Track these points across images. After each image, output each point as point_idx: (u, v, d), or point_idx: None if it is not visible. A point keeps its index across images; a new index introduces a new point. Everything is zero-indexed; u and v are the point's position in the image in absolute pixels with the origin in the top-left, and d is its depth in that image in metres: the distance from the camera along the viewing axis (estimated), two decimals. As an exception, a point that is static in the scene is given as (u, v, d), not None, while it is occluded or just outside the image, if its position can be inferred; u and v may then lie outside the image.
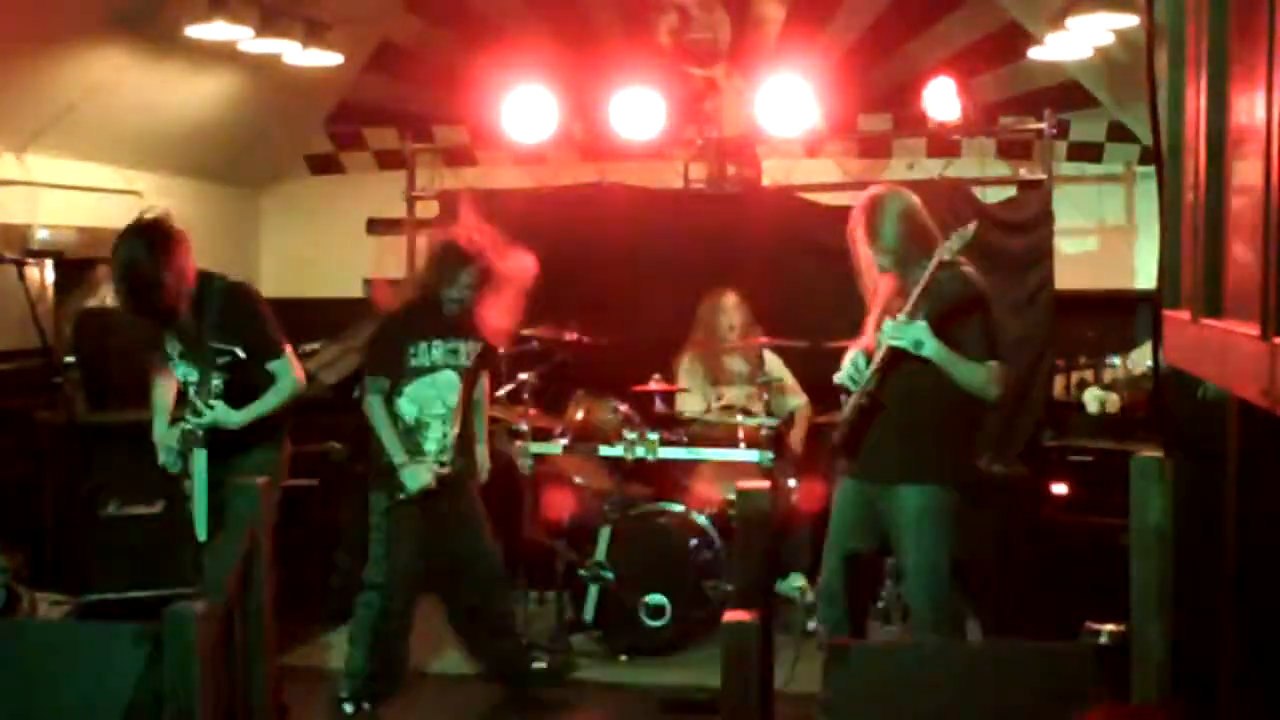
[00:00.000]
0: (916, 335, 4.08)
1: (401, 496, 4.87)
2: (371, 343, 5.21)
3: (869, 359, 4.27)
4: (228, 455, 4.57)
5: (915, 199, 4.42)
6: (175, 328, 4.59)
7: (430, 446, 4.95)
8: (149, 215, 4.53)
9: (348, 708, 4.99)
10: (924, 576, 4.30)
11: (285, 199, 8.44)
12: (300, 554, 5.37)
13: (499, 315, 5.13)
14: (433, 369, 4.94)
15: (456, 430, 4.99)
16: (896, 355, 4.16)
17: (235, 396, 4.57)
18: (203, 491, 4.52)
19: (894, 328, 4.10)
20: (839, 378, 4.38)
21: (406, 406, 4.94)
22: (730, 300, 6.24)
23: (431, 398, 4.95)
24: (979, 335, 4.19)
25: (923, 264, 4.18)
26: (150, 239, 4.43)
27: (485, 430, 5.32)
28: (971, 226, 4.15)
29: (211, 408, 4.50)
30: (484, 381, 5.26)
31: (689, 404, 6.24)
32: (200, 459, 4.54)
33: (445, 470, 4.92)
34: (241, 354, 4.58)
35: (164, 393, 4.78)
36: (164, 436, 4.69)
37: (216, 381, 4.53)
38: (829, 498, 4.79)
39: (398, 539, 4.93)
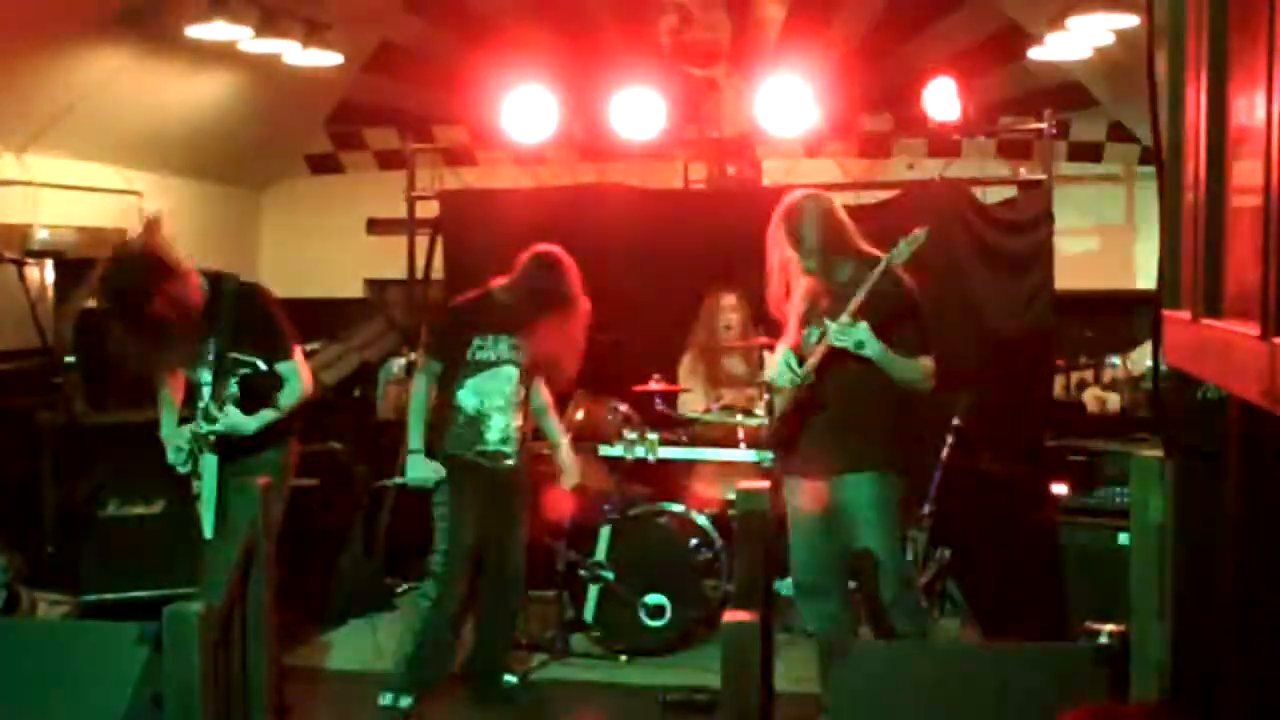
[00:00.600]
0: (859, 336, 4.26)
1: (406, 482, 5.09)
2: (432, 328, 5.32)
3: (799, 358, 4.43)
4: (235, 456, 4.57)
5: (833, 201, 4.60)
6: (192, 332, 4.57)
7: (491, 437, 5.03)
8: (136, 242, 4.50)
9: (384, 699, 4.98)
10: (891, 559, 4.50)
11: (285, 199, 8.44)
12: (300, 554, 5.36)
13: (559, 341, 5.09)
14: (496, 363, 5.03)
15: (519, 424, 5.08)
16: (835, 353, 4.33)
17: (247, 399, 4.56)
18: (212, 492, 4.52)
19: (839, 329, 4.27)
20: (770, 375, 4.61)
21: (468, 398, 5.02)
22: (730, 300, 6.24)
23: (493, 390, 5.03)
24: (914, 335, 4.42)
25: (844, 264, 4.45)
26: (139, 276, 4.36)
27: (562, 432, 5.40)
28: (921, 232, 4.30)
29: (225, 414, 4.49)
30: (543, 386, 5.28)
31: (689, 404, 6.24)
32: (210, 460, 4.54)
33: (510, 463, 5.04)
34: (262, 365, 4.57)
35: (172, 391, 4.77)
36: (172, 435, 4.67)
37: (233, 389, 4.52)
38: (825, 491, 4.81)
39: (457, 531, 5.00)
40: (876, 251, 4.43)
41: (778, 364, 4.51)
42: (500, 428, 5.04)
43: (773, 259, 4.55)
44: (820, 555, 4.58)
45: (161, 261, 4.38)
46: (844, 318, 4.25)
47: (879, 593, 4.52)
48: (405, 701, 4.98)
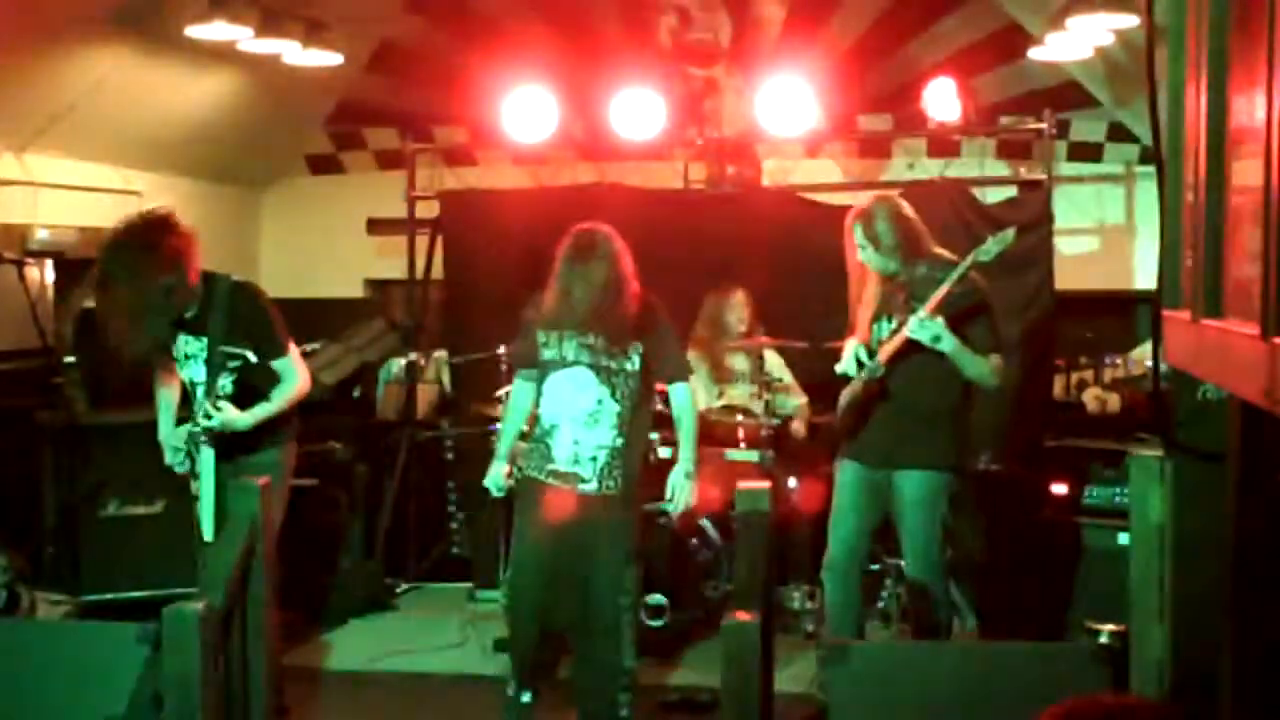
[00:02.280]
0: (936, 330, 4.39)
1: (493, 492, 4.62)
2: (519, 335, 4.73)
3: (870, 350, 4.60)
4: (234, 456, 4.57)
5: (903, 204, 4.78)
6: (184, 328, 4.58)
7: (560, 454, 4.40)
8: (148, 214, 4.52)
9: (508, 689, 4.60)
10: (927, 548, 4.66)
11: (285, 199, 8.43)
12: (300, 554, 5.36)
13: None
14: (564, 363, 4.43)
15: (603, 442, 4.38)
16: (909, 347, 4.48)
17: (242, 396, 4.57)
18: (209, 492, 4.52)
19: (919, 323, 4.40)
20: (842, 367, 4.68)
21: (544, 405, 4.46)
22: (733, 298, 6.25)
23: (564, 398, 4.41)
24: (986, 332, 4.58)
25: (916, 264, 4.64)
26: (146, 241, 4.39)
27: (693, 452, 4.59)
28: (1010, 231, 4.53)
29: (219, 410, 4.49)
30: (688, 387, 4.61)
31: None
32: (207, 459, 4.54)
33: (587, 487, 4.35)
34: (253, 358, 4.58)
35: (169, 392, 4.78)
36: (170, 436, 4.68)
37: (224, 383, 4.53)
38: (829, 497, 4.92)
39: (519, 556, 4.54)
40: (946, 253, 4.68)
41: (848, 357, 4.65)
42: (570, 443, 4.38)
43: (851, 262, 4.73)
44: (854, 536, 4.75)
45: (172, 222, 4.46)
46: (923, 312, 4.40)
47: (909, 568, 4.76)
48: (526, 696, 4.58)
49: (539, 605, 4.49)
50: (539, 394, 4.49)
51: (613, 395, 4.41)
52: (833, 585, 4.81)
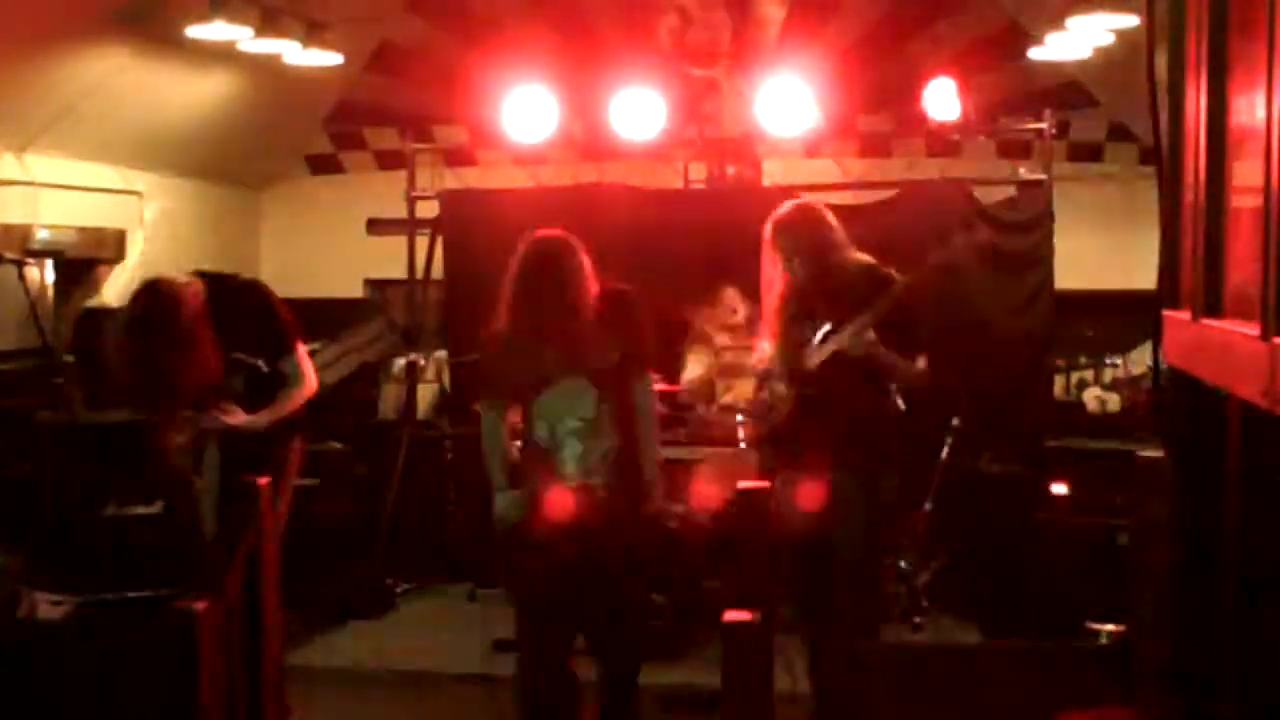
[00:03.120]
0: (870, 350, 4.44)
1: (510, 520, 4.32)
2: (480, 370, 4.72)
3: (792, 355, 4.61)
4: (238, 454, 4.57)
5: (823, 209, 4.74)
6: None
7: (569, 469, 4.25)
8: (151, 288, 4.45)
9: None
10: (852, 553, 4.59)
11: (285, 199, 8.43)
12: (300, 554, 5.36)
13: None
14: (552, 380, 4.26)
15: (606, 447, 4.27)
16: (839, 356, 4.50)
17: (250, 395, 4.56)
18: (214, 490, 4.52)
19: (853, 341, 4.43)
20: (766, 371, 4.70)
21: (539, 426, 4.28)
22: (733, 292, 6.26)
23: (562, 412, 4.25)
24: (908, 337, 4.58)
25: (834, 270, 4.58)
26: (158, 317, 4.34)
27: (653, 445, 4.42)
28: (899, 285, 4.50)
29: (230, 414, 4.48)
30: (650, 386, 4.46)
31: (691, 370, 6.34)
32: (212, 461, 4.54)
33: (596, 491, 4.22)
34: (264, 368, 4.56)
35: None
36: (176, 433, 4.66)
37: (234, 383, 4.52)
38: (829, 497, 4.82)
39: (527, 571, 4.36)
40: (864, 257, 4.65)
41: (769, 361, 4.66)
42: (576, 456, 4.24)
43: (766, 268, 4.71)
44: (809, 551, 4.63)
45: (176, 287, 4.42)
46: (855, 336, 4.42)
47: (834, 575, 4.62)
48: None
49: (552, 627, 4.27)
50: (532, 415, 4.31)
51: (604, 397, 4.25)
52: (798, 606, 4.76)
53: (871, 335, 4.45)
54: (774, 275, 4.71)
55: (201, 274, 4.61)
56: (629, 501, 4.31)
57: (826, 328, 4.58)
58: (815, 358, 4.56)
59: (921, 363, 4.63)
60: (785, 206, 4.74)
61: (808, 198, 5.04)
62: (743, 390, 6.24)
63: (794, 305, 4.69)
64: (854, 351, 4.46)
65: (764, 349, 4.76)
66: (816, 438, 4.61)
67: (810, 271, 4.62)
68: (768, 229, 4.68)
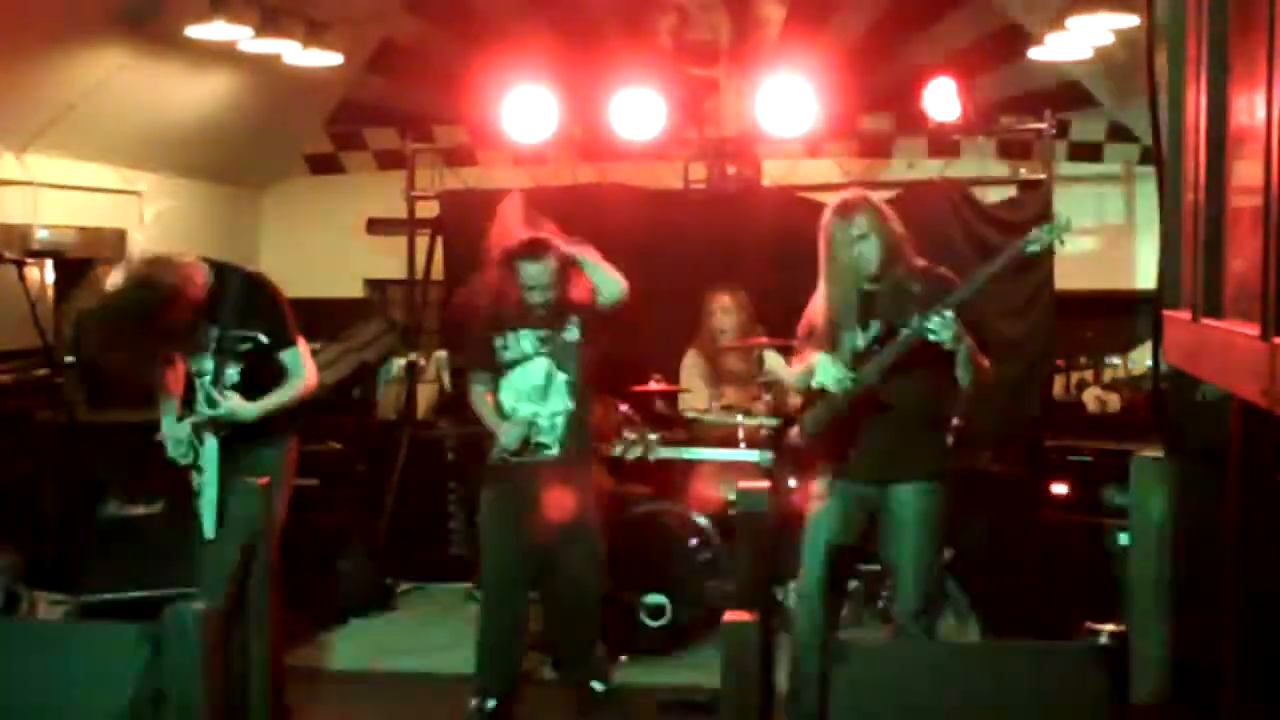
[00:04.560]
0: (956, 330, 4.11)
1: (498, 459, 4.92)
2: (465, 344, 5.23)
3: (862, 360, 4.31)
4: (235, 452, 4.56)
5: (885, 205, 4.47)
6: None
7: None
8: (141, 272, 4.42)
9: (470, 703, 4.94)
10: (923, 571, 4.39)
11: (285, 199, 8.43)
12: (300, 554, 5.36)
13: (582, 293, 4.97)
14: (524, 359, 4.94)
15: (558, 409, 4.93)
16: (910, 355, 4.21)
17: (248, 389, 4.56)
18: (213, 483, 4.51)
19: (942, 322, 4.08)
20: (821, 380, 4.32)
21: (505, 397, 4.96)
22: (724, 302, 6.24)
23: (526, 386, 4.94)
24: (977, 336, 4.33)
25: (896, 268, 4.33)
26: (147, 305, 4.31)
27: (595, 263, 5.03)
28: (1066, 218, 4.21)
29: (225, 398, 4.49)
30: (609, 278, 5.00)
31: (690, 403, 6.24)
32: (211, 450, 4.52)
33: (551, 453, 4.90)
34: (264, 339, 4.56)
35: (171, 385, 4.75)
36: (173, 429, 4.66)
37: (231, 371, 4.52)
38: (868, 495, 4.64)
39: (491, 537, 4.97)
40: (922, 262, 4.40)
41: (828, 369, 4.29)
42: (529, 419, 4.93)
43: (824, 262, 4.45)
44: (831, 561, 4.48)
45: (166, 287, 4.37)
46: (946, 312, 4.08)
47: (901, 601, 4.43)
48: (490, 703, 4.93)
49: (517, 583, 4.96)
50: (497, 385, 4.96)
51: (559, 366, 4.92)
52: (807, 612, 4.47)
53: (949, 316, 4.08)
54: (836, 273, 4.40)
55: (207, 260, 4.60)
56: (583, 457, 5.04)
57: (875, 329, 4.33)
58: (876, 359, 4.27)
59: (986, 361, 4.34)
60: (849, 193, 4.48)
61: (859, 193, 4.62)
62: (741, 390, 6.24)
63: (838, 311, 4.39)
64: (938, 335, 4.09)
65: (816, 361, 4.36)
66: (870, 449, 4.37)
67: (883, 257, 4.32)
68: (833, 211, 4.40)
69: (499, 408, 4.97)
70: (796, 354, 4.59)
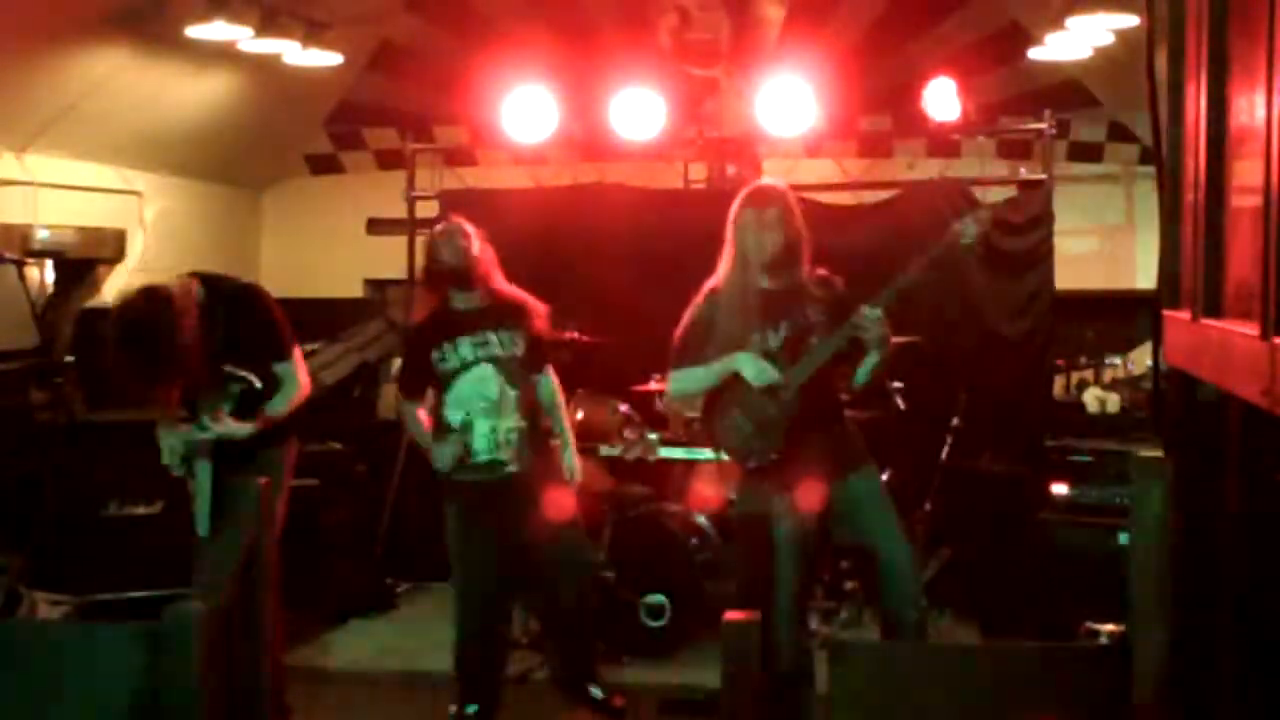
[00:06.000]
0: (884, 330, 4.13)
1: (441, 476, 4.83)
2: (402, 363, 5.19)
3: (774, 360, 4.25)
4: (232, 456, 4.56)
5: (792, 199, 4.43)
6: None
7: (479, 445, 4.75)
8: (143, 296, 4.36)
9: (451, 709, 4.93)
10: (909, 563, 4.41)
11: (285, 199, 8.44)
12: (300, 554, 5.35)
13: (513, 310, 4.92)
14: (464, 367, 4.76)
15: (511, 425, 4.77)
16: (844, 350, 4.23)
17: (242, 404, 4.55)
18: (207, 494, 4.51)
19: (873, 319, 4.08)
20: (749, 376, 4.25)
21: (451, 411, 4.78)
22: None
23: (470, 395, 4.75)
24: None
25: (797, 269, 4.33)
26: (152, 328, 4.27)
27: (570, 432, 5.06)
28: (985, 212, 4.41)
29: (219, 421, 4.47)
30: (552, 378, 5.00)
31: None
32: (205, 470, 4.52)
33: (510, 469, 4.76)
34: (257, 384, 4.55)
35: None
36: (167, 434, 4.65)
37: (227, 401, 4.51)
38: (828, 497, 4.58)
39: (461, 552, 4.86)
40: (821, 269, 4.39)
41: (758, 366, 4.23)
42: (485, 433, 4.75)
43: (728, 246, 4.39)
44: (806, 575, 4.41)
45: (173, 303, 4.33)
46: (877, 310, 4.08)
47: (898, 607, 4.34)
48: (471, 708, 4.89)
49: (492, 598, 4.91)
50: (442, 401, 4.79)
51: (509, 382, 4.79)
52: (786, 627, 4.28)
53: (880, 312, 4.08)
54: (737, 259, 4.33)
55: (198, 275, 4.57)
56: (538, 472, 4.88)
57: (784, 331, 4.27)
58: (806, 357, 4.24)
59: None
60: (760, 181, 4.56)
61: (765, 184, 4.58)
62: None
63: (747, 311, 4.32)
64: (870, 332, 4.08)
65: (735, 358, 4.28)
66: (812, 450, 4.30)
67: (784, 252, 4.26)
68: (747, 195, 4.35)
69: (444, 423, 4.79)
70: (675, 365, 4.52)
